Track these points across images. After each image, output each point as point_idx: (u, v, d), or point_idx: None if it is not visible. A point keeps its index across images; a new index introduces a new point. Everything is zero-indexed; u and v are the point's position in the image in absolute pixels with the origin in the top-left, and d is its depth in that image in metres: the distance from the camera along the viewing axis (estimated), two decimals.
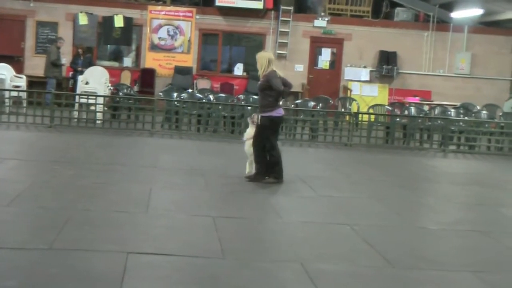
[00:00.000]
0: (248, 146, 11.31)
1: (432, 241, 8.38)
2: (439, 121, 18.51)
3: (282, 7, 24.08)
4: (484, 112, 19.97)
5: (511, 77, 25.14)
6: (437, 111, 20.14)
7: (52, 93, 17.78)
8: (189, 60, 24.27)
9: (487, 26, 24.96)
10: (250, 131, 11.33)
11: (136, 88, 22.74)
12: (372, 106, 19.77)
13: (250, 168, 11.37)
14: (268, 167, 11.13)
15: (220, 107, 17.93)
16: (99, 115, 17.83)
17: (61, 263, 6.31)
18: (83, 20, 23.57)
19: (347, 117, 18.90)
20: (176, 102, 18.04)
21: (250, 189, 10.70)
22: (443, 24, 24.86)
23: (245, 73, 24.57)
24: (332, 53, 25.30)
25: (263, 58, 11.10)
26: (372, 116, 18.69)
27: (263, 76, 11.00)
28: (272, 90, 10.87)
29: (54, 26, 23.72)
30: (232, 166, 12.48)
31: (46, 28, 23.72)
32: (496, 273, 7.02)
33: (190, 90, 20.53)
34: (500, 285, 6.61)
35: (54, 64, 20.75)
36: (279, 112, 11.15)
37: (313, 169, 13.56)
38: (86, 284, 5.82)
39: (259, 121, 11.05)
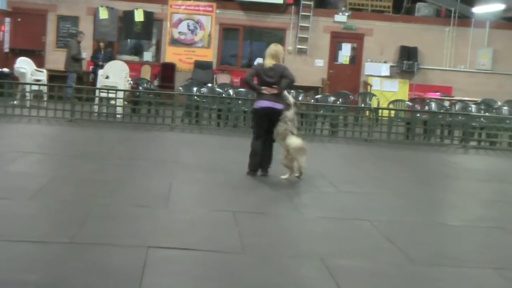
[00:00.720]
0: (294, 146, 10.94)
1: (453, 237, 8.34)
2: (460, 117, 18.41)
3: (303, 2, 24.04)
4: (506, 108, 19.82)
5: None
6: (458, 107, 20.03)
7: (72, 87, 17.83)
8: (209, 55, 24.29)
9: (509, 21, 24.78)
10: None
11: (156, 83, 22.79)
12: (393, 102, 19.66)
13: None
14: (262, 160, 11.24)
15: (240, 102, 17.92)
16: (119, 110, 17.88)
17: (82, 257, 6.33)
18: (103, 14, 23.63)
19: (367, 113, 18.86)
20: (196, 97, 18.06)
21: (270, 185, 10.69)
22: (465, 20, 24.72)
23: None
24: (353, 48, 25.22)
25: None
26: (393, 112, 18.61)
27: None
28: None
29: (75, 20, 23.82)
30: None
31: (67, 22, 23.82)
32: None
33: (210, 85, 20.52)
34: None
35: (74, 59, 20.77)
36: (258, 104, 11.16)
37: (333, 164, 13.54)
38: (106, 278, 5.84)
39: None
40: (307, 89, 22.28)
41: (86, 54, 21.65)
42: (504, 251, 7.74)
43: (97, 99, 18.24)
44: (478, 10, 23.72)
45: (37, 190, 8.95)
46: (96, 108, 17.92)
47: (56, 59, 23.23)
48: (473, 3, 23.80)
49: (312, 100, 19.49)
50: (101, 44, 22.14)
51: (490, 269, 6.88)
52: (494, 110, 19.59)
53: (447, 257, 7.26)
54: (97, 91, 18.46)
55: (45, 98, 18.37)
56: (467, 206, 10.27)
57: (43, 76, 20.55)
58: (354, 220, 8.72)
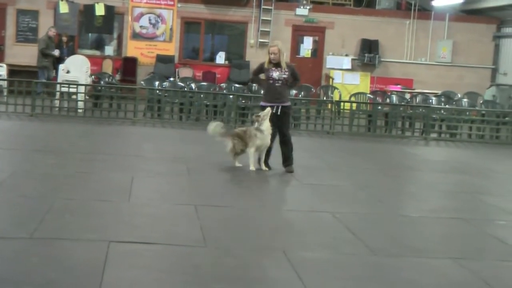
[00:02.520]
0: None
1: (414, 228, 8.41)
2: (420, 109, 18.58)
3: None
4: (465, 100, 20.07)
5: (492, 65, 25.23)
6: (418, 99, 20.22)
7: (41, 83, 17.61)
8: (171, 49, 24.20)
9: (468, 14, 25.04)
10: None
11: (118, 77, 22.65)
12: (354, 95, 19.78)
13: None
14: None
15: (202, 95, 17.91)
16: (80, 104, 17.76)
17: (43, 252, 6.28)
18: (64, 8, 23.41)
19: (329, 106, 18.94)
20: (158, 91, 18.01)
21: (233, 178, 10.71)
22: (425, 12, 24.92)
23: (227, 62, 24.52)
24: (314, 42, 25.29)
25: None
26: (354, 105, 18.73)
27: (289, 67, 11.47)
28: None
29: (35, 14, 23.58)
30: (214, 154, 12.46)
31: (27, 16, 23.58)
32: (477, 260, 7.05)
33: (172, 79, 20.47)
34: (480, 272, 6.64)
35: (43, 53, 20.41)
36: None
37: (296, 157, 13.55)
38: (67, 273, 5.80)
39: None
40: None
41: (58, 51, 21.10)
42: (464, 242, 7.84)
43: (58, 94, 18.08)
44: (437, 3, 23.93)
45: None
46: (57, 102, 17.77)
47: (16, 53, 23.03)
48: None
49: None
50: (64, 38, 21.94)
51: (450, 259, 6.96)
52: (454, 102, 19.83)
53: (408, 248, 7.33)
54: (58, 85, 18.29)
55: (5, 93, 18.17)
56: (428, 197, 10.37)
57: (2, 70, 20.37)
58: (317, 212, 8.76)
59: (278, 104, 11.24)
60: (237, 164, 11.34)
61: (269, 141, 11.17)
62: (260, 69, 11.58)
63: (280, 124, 11.30)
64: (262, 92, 12.75)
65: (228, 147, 11.35)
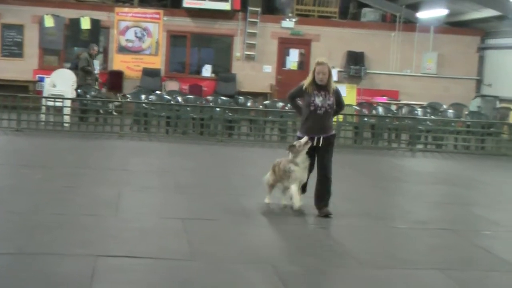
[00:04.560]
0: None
1: (401, 240, 8.44)
2: (407, 121, 18.64)
3: (250, 8, 24.08)
4: (451, 111, 20.16)
5: (477, 76, 25.35)
6: (404, 110, 20.29)
7: (18, 96, 17.49)
8: (157, 62, 24.19)
9: (453, 26, 25.17)
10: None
11: (104, 91, 22.61)
12: None
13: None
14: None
15: (189, 108, 17.90)
16: (66, 118, 17.72)
17: (30, 268, 6.27)
18: (49, 22, 23.38)
19: None
20: (144, 104, 18.00)
21: (220, 191, 10.70)
22: (410, 24, 25.02)
23: (213, 75, 24.52)
24: (301, 54, 25.33)
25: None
26: (341, 116, 18.72)
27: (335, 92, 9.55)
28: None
29: (20, 28, 23.53)
30: (201, 167, 12.47)
31: (12, 30, 23.50)
32: (464, 271, 7.08)
33: (158, 92, 20.45)
34: (467, 283, 6.68)
35: (85, 71, 20.28)
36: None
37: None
38: None
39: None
40: (256, 95, 22.35)
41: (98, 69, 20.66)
42: (451, 253, 7.86)
43: (44, 108, 18.04)
44: (422, 15, 24.04)
45: None
46: (43, 117, 17.73)
47: (1, 68, 22.94)
48: (417, 8, 24.12)
49: (261, 106, 19.51)
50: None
51: (437, 270, 6.98)
52: (439, 114, 19.88)
53: (395, 259, 7.35)
54: (43, 99, 18.25)
55: None
56: (416, 209, 10.38)
57: None
58: (303, 225, 8.76)
59: (320, 136, 9.40)
60: (266, 201, 9.75)
61: (306, 177, 9.51)
62: (299, 91, 9.55)
63: (321, 157, 9.56)
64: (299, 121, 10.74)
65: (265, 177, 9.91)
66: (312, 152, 9.43)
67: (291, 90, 9.78)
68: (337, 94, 9.49)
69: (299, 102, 9.85)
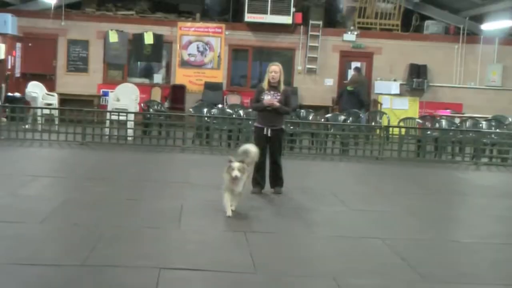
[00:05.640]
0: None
1: (465, 254, 8.32)
2: (470, 134, 18.37)
3: (311, 22, 24.06)
4: None
5: None
6: (468, 123, 19.99)
7: (83, 110, 17.80)
8: (219, 76, 24.35)
9: None
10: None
11: (166, 105, 22.83)
12: (403, 120, 19.64)
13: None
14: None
15: (250, 122, 17.92)
16: (130, 132, 17.94)
17: (94, 280, 6.35)
18: (113, 37, 23.74)
19: (378, 131, 18.85)
20: (206, 118, 18.10)
21: (281, 204, 10.70)
22: (474, 37, 24.71)
23: None
24: (356, 68, 25.21)
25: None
26: (403, 130, 18.60)
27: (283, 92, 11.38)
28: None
29: (85, 44, 23.93)
30: None
31: (77, 46, 23.92)
32: None
33: (220, 106, 20.56)
34: None
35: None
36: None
37: (344, 183, 13.53)
38: None
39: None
40: (318, 109, 22.31)
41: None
42: None
43: (108, 122, 18.30)
44: (486, 27, 23.71)
45: (48, 213, 9.00)
46: (107, 130, 17.98)
47: (67, 83, 23.38)
48: (481, 20, 23.80)
49: (323, 119, 19.47)
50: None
51: (502, 285, 6.87)
52: (505, 126, 19.54)
53: (459, 274, 7.24)
54: (108, 113, 18.52)
55: (56, 122, 18.43)
56: (479, 223, 10.23)
57: (54, 100, 20.65)
58: (366, 238, 8.71)
59: (269, 127, 11.26)
60: None
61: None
62: (258, 95, 11.42)
63: (271, 148, 11.40)
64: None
65: None
66: (265, 141, 11.26)
67: (252, 102, 12.00)
68: (285, 93, 11.31)
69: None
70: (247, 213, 9.94)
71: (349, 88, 21.95)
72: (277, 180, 11.48)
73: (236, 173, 9.57)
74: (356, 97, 21.78)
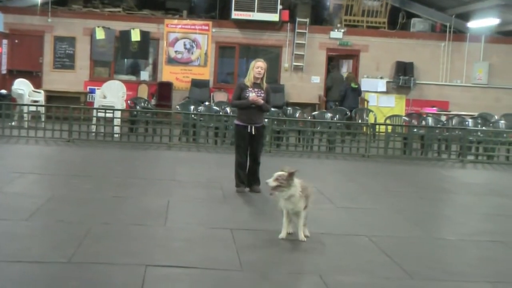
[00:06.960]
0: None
1: (451, 252, 8.35)
2: (457, 131, 18.43)
3: (298, 19, 24.07)
4: (502, 121, 19.88)
5: None
6: (454, 121, 20.07)
7: (70, 107, 17.74)
8: (206, 73, 24.32)
9: (504, 36, 24.87)
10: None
11: (153, 102, 22.80)
12: (390, 117, 19.68)
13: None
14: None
15: None
16: (116, 129, 17.90)
17: (80, 277, 6.34)
18: (100, 34, 23.67)
19: (364, 129, 18.89)
20: (193, 115, 18.09)
21: (267, 201, 10.70)
22: (460, 34, 24.79)
23: None
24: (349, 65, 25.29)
25: None
26: (390, 127, 18.64)
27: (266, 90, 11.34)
28: None
29: (72, 41, 23.83)
30: None
31: (64, 43, 23.83)
32: None
33: (207, 103, 20.54)
34: None
35: None
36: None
37: (331, 180, 13.56)
38: None
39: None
40: (304, 106, 22.35)
41: None
42: (502, 265, 7.75)
43: (94, 119, 18.26)
44: (473, 24, 23.79)
45: (34, 211, 8.97)
46: (93, 127, 17.94)
47: (53, 79, 23.29)
48: (468, 18, 23.87)
49: (309, 117, 19.50)
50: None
51: (487, 283, 6.90)
52: (491, 124, 19.63)
53: (445, 272, 7.27)
54: (94, 110, 18.47)
55: (43, 119, 18.37)
56: (465, 220, 10.27)
57: (40, 97, 20.56)
58: (352, 236, 8.73)
59: (252, 125, 11.22)
60: None
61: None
62: (239, 91, 11.31)
63: (253, 146, 11.37)
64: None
65: None
66: (248, 139, 11.24)
67: (233, 99, 11.59)
68: (267, 91, 11.27)
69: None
70: (233, 210, 9.95)
71: (353, 85, 22.08)
72: (256, 179, 11.42)
73: (269, 180, 8.36)
74: (359, 94, 22.01)
